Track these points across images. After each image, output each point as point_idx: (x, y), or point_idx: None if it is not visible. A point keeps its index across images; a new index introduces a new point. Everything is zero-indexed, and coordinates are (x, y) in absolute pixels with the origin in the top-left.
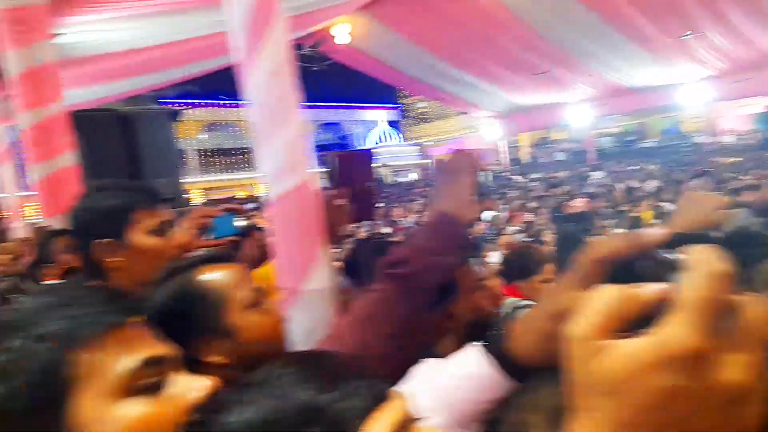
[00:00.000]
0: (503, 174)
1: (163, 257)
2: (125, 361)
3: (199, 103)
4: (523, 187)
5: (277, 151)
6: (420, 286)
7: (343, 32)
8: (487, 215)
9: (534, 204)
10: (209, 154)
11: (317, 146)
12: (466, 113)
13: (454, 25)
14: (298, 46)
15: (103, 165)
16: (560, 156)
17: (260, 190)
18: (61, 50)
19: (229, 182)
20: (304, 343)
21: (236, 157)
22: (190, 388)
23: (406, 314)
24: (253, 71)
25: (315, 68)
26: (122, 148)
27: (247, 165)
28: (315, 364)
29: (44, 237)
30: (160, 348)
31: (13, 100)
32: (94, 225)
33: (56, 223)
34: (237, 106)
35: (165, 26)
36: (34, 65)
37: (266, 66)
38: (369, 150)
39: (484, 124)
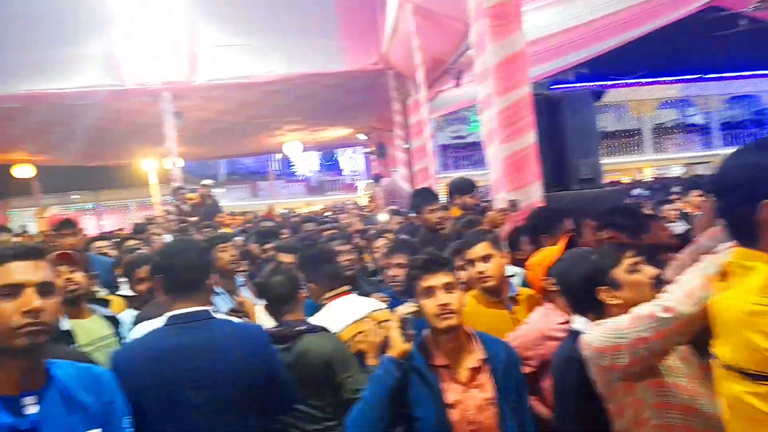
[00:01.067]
0: None
1: None
2: None
3: (583, 86)
4: None
5: None
6: None
7: None
8: None
9: None
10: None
11: (722, 124)
12: None
13: None
14: (715, 8)
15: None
16: None
17: (648, 175)
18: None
19: (612, 166)
20: None
21: (620, 140)
22: None
23: None
24: None
25: (736, 30)
26: (548, 129)
27: (635, 148)
28: None
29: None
30: None
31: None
32: (761, 183)
33: (518, 196)
34: (627, 86)
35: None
36: (509, 54)
37: None
38: None
39: None
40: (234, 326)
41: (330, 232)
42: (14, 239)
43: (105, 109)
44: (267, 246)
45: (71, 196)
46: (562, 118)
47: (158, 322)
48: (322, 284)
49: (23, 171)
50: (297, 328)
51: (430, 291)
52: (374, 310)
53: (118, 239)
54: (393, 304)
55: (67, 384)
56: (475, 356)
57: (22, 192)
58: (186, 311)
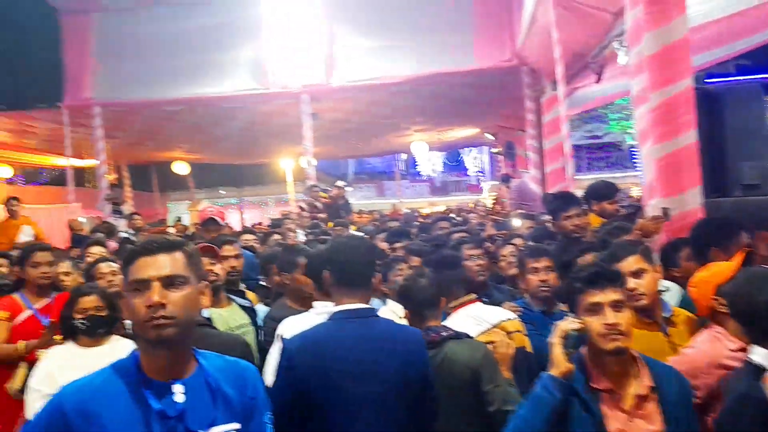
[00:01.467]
0: None
1: None
2: None
3: (746, 79)
4: None
5: None
6: None
7: None
8: None
9: None
10: None
11: None
12: None
13: None
14: None
15: None
16: None
17: None
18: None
19: None
20: None
21: None
22: None
23: None
24: None
25: None
26: (705, 127)
27: None
28: None
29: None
30: None
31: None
32: None
33: (673, 203)
34: None
35: None
36: (668, 43)
37: None
38: None
39: None
40: (395, 326)
41: (459, 235)
42: (169, 229)
43: (251, 112)
44: (396, 245)
45: (219, 192)
46: (722, 115)
47: (313, 317)
48: (445, 291)
49: (180, 168)
50: (442, 334)
51: (596, 308)
52: (503, 320)
53: (262, 234)
54: (525, 315)
55: (213, 375)
56: (642, 382)
57: (179, 187)
58: (352, 307)
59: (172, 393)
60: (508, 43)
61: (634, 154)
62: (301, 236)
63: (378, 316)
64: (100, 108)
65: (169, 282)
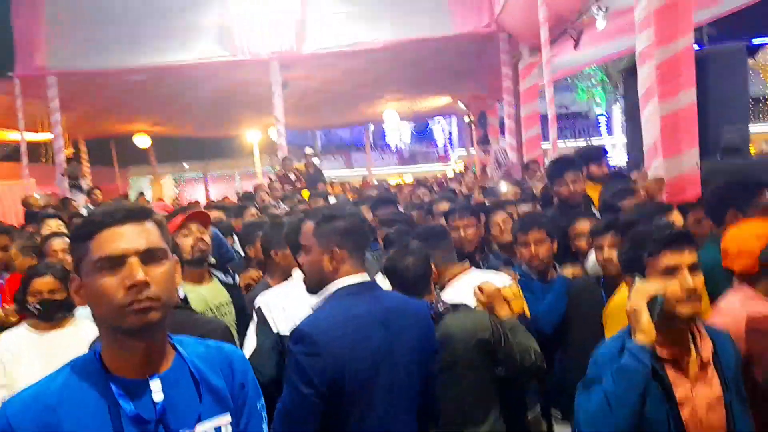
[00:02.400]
0: None
1: None
2: None
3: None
4: None
5: None
6: None
7: None
8: None
9: None
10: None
11: None
12: None
13: None
14: None
15: None
16: None
17: None
18: None
19: None
20: None
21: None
22: None
23: None
24: None
25: None
26: None
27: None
28: None
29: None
30: None
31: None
32: None
33: (670, 164)
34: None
35: None
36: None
37: None
38: None
39: None
40: (403, 299)
41: (445, 205)
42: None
43: (217, 81)
44: (380, 212)
45: (182, 165)
46: (705, 79)
47: (296, 288)
48: (438, 264)
49: (142, 141)
50: (438, 310)
51: (674, 270)
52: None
53: (235, 208)
54: (522, 282)
55: (195, 365)
56: (704, 348)
57: (141, 161)
58: (357, 281)
59: (149, 391)
60: (486, 9)
61: (599, 123)
62: (282, 208)
63: (381, 288)
64: (55, 78)
65: (148, 256)
